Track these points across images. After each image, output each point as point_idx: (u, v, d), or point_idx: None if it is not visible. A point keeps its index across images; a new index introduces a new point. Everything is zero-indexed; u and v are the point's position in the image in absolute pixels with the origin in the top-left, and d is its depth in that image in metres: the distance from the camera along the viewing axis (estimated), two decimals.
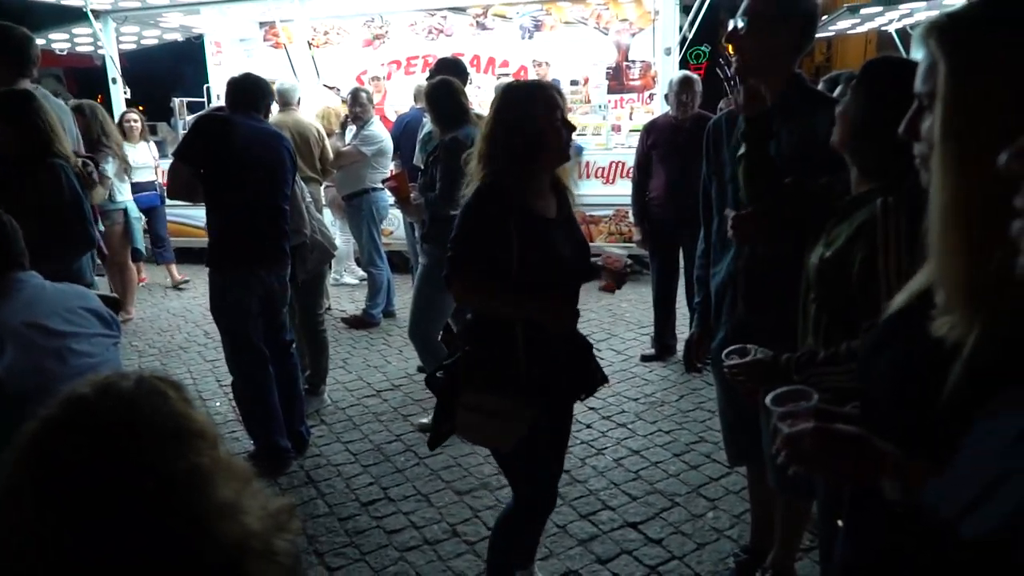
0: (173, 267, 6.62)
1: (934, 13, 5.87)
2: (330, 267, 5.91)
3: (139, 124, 6.29)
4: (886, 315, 0.98)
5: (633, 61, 7.00)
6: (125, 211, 5.61)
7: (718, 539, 2.67)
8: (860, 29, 8.94)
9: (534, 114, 1.85)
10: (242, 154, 2.96)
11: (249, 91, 3.12)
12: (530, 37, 7.20)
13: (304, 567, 2.51)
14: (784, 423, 1.06)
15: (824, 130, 1.76)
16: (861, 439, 0.93)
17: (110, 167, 5.09)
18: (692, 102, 4.28)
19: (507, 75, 6.94)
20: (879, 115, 1.35)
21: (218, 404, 3.99)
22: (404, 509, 2.91)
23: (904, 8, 6.96)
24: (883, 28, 7.84)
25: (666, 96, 4.58)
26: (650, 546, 2.64)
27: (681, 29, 6.74)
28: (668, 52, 6.57)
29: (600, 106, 7.01)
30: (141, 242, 5.91)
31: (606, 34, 7.03)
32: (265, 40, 7.73)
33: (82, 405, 0.74)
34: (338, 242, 6.07)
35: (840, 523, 1.11)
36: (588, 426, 3.60)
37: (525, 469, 2.07)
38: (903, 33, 7.87)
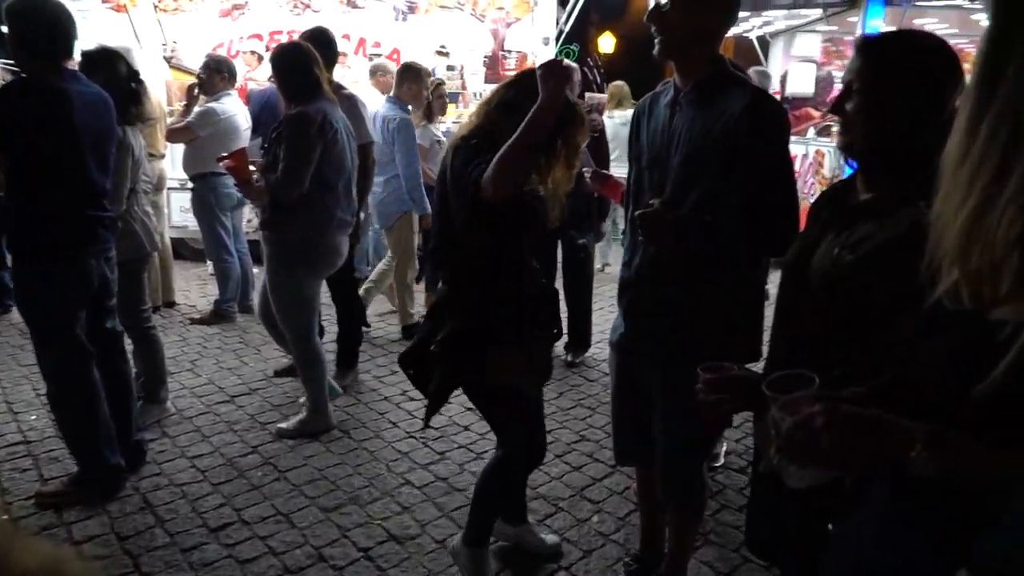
0: None
1: (794, 22, 6.10)
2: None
3: None
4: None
5: (509, 51, 6.86)
6: None
7: (604, 544, 2.56)
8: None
9: None
10: (75, 126, 2.47)
11: (63, 35, 2.54)
12: (403, 19, 6.88)
13: None
14: (784, 413, 0.92)
15: (733, 123, 1.65)
16: (881, 415, 0.85)
17: None
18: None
19: (379, 56, 6.58)
20: (909, 98, 1.23)
21: (34, 418, 3.40)
22: (261, 533, 2.57)
23: (768, 16, 7.29)
24: (745, 34, 8.19)
25: None
26: (536, 557, 2.47)
27: (558, 22, 6.69)
28: (546, 42, 6.51)
29: (477, 94, 6.81)
30: None
31: (482, 21, 6.85)
32: (104, 1, 6.88)
33: None
34: None
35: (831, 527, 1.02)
36: (466, 428, 3.39)
37: (528, 416, 2.22)
38: (763, 41, 8.27)
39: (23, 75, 2.56)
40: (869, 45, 1.30)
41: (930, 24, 6.67)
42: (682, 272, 1.80)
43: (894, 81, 1.25)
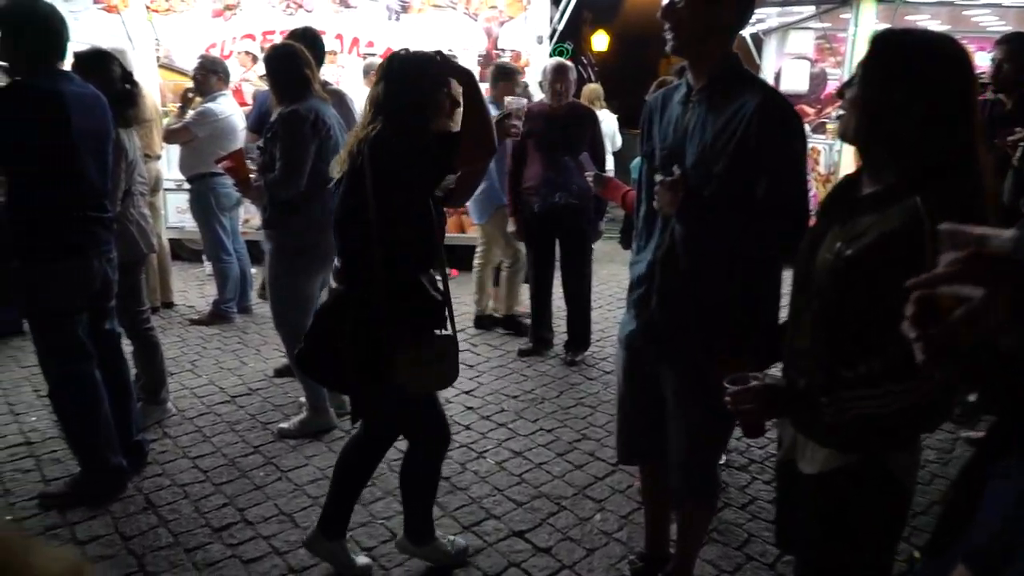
0: None
1: (787, 19, 6.08)
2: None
3: None
4: None
5: (503, 49, 6.86)
6: None
7: (607, 543, 2.57)
8: None
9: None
10: (72, 128, 2.46)
11: (56, 36, 2.52)
12: (397, 19, 6.88)
13: None
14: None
15: (745, 124, 1.65)
16: None
17: None
18: (566, 91, 4.13)
19: (373, 55, 6.58)
20: (906, 93, 1.24)
21: (35, 419, 3.39)
22: (264, 532, 2.57)
23: (760, 13, 7.30)
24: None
25: (540, 84, 4.44)
26: (539, 556, 2.48)
27: (551, 21, 6.71)
28: (540, 41, 6.53)
29: None
30: None
31: (475, 20, 6.85)
32: (96, 2, 6.85)
33: None
34: None
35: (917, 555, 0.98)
36: (467, 427, 3.40)
37: (435, 409, 2.32)
38: (756, 38, 8.29)
39: (17, 78, 2.55)
40: (875, 40, 1.32)
41: (922, 20, 6.71)
42: (693, 270, 1.79)
43: (888, 78, 1.27)
